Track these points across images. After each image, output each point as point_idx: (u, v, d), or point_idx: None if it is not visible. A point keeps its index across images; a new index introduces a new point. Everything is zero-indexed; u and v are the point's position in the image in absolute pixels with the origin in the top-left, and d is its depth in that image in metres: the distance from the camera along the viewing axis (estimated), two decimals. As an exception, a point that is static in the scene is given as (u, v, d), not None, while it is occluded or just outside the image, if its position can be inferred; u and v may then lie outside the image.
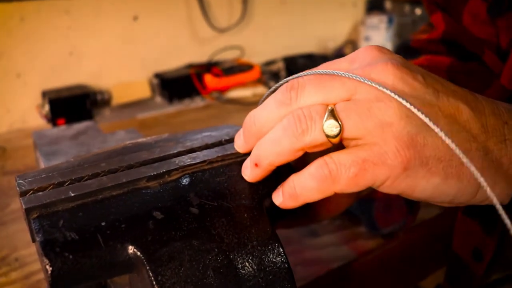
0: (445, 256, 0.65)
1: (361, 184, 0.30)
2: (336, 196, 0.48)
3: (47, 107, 0.97)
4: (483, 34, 0.54)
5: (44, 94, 0.99)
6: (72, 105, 0.99)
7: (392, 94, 0.29)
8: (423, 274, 0.69)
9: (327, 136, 0.30)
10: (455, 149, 0.28)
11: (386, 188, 0.30)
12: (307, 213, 0.47)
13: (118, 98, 1.08)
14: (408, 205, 0.56)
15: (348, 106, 0.30)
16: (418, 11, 1.34)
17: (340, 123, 0.30)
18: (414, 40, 0.64)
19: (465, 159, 0.27)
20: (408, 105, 0.28)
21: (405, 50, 0.63)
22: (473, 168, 0.27)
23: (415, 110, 0.28)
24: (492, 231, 0.50)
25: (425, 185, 0.30)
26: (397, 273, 0.65)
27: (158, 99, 1.12)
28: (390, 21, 1.26)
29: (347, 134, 0.30)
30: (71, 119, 0.96)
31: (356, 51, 0.33)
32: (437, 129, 0.28)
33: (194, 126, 0.97)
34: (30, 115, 1.01)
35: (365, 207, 0.57)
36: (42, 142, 0.61)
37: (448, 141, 0.28)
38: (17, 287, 0.54)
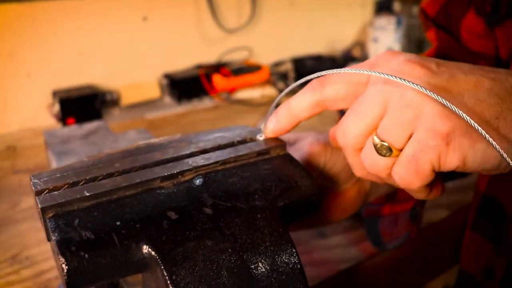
0: (453, 259, 0.65)
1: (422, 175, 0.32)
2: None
3: (57, 107, 0.98)
4: (480, 48, 0.54)
5: (55, 93, 1.00)
6: (82, 105, 1.00)
7: (420, 88, 0.30)
8: (431, 275, 0.69)
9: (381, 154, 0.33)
10: (473, 125, 0.30)
11: (443, 167, 0.32)
12: (316, 216, 0.47)
13: (127, 98, 1.08)
14: (412, 216, 0.56)
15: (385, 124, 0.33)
16: (426, 12, 1.33)
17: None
18: None
19: (483, 132, 0.30)
20: (437, 96, 0.30)
21: None
22: (494, 143, 0.30)
23: (443, 100, 0.30)
24: (502, 248, 0.50)
25: (473, 154, 0.31)
26: (405, 275, 0.65)
27: (167, 99, 1.13)
28: (398, 22, 1.26)
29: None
30: (80, 119, 0.97)
31: (375, 56, 0.36)
32: (455, 109, 0.30)
33: (203, 127, 0.97)
34: (41, 114, 1.02)
35: (371, 224, 0.57)
36: (53, 142, 0.61)
37: (466, 117, 0.30)
38: (28, 285, 0.54)
